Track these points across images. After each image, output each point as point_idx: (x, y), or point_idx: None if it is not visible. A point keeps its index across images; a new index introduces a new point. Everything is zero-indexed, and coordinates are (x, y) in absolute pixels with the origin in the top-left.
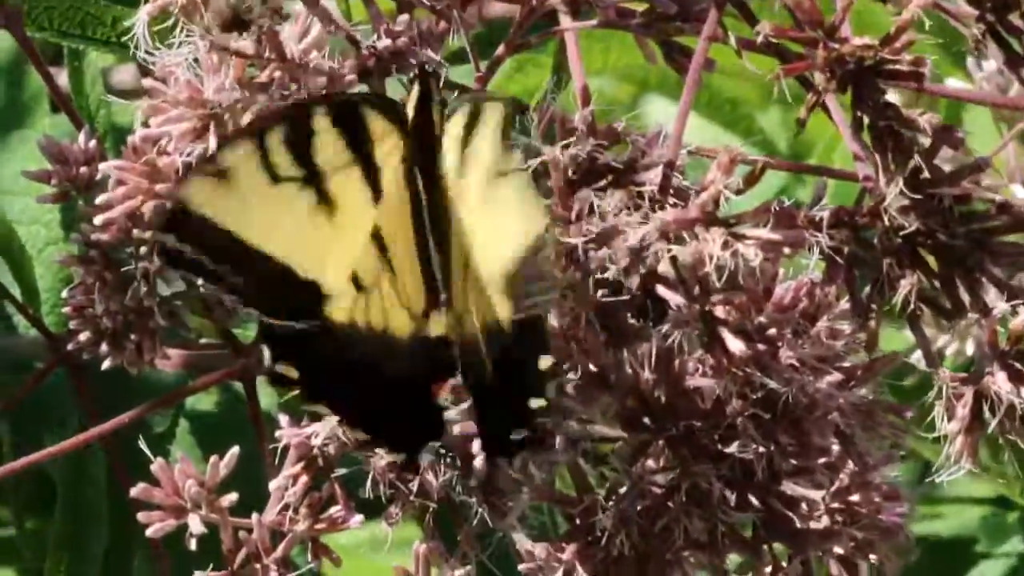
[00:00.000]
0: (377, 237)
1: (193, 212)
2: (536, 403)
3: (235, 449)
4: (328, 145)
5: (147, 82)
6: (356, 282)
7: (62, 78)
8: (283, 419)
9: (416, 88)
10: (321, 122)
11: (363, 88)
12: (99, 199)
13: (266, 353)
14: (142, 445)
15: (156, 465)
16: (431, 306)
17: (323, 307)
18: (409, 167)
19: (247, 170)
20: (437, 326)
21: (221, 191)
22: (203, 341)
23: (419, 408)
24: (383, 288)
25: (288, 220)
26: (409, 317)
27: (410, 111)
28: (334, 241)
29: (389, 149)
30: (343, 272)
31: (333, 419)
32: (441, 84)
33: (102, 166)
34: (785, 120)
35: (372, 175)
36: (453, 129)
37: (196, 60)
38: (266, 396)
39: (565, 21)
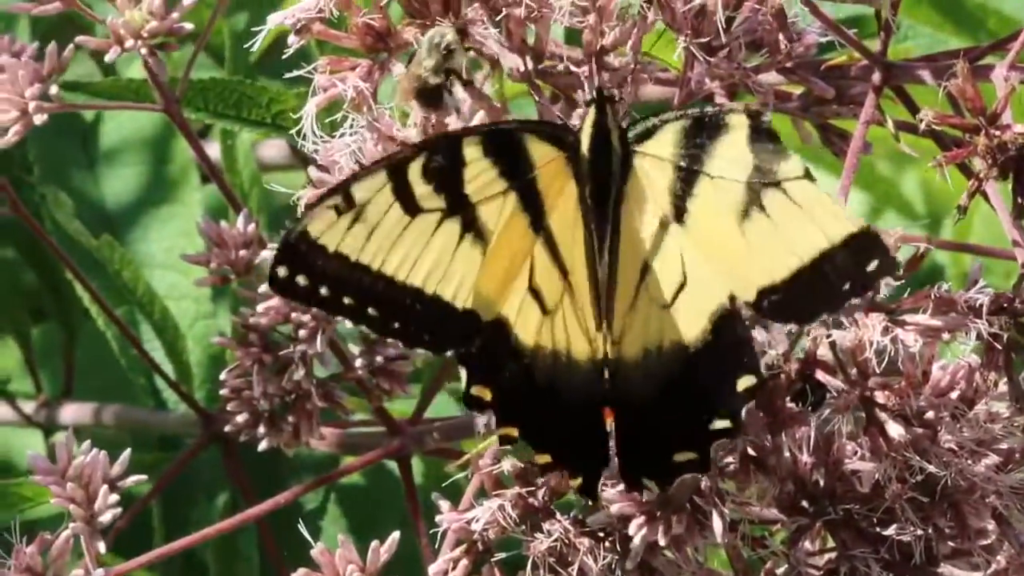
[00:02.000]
0: (556, 259)
1: (311, 243)
2: (720, 423)
3: (396, 534)
4: (479, 175)
5: (313, 172)
6: (541, 304)
7: (211, 150)
8: (443, 504)
9: (593, 111)
10: (471, 152)
11: None
12: (262, 288)
13: (463, 375)
14: (301, 528)
15: (317, 550)
16: (599, 328)
17: (509, 333)
18: (583, 190)
19: (380, 201)
20: (601, 348)
21: (344, 223)
22: (356, 417)
23: (593, 433)
24: (565, 310)
25: (427, 250)
26: (587, 340)
27: (586, 135)
28: (489, 269)
29: (554, 173)
30: (515, 297)
31: (494, 503)
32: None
33: (263, 254)
34: (923, 181)
35: (532, 201)
36: (655, 148)
37: (360, 150)
38: (419, 475)
39: (722, 103)
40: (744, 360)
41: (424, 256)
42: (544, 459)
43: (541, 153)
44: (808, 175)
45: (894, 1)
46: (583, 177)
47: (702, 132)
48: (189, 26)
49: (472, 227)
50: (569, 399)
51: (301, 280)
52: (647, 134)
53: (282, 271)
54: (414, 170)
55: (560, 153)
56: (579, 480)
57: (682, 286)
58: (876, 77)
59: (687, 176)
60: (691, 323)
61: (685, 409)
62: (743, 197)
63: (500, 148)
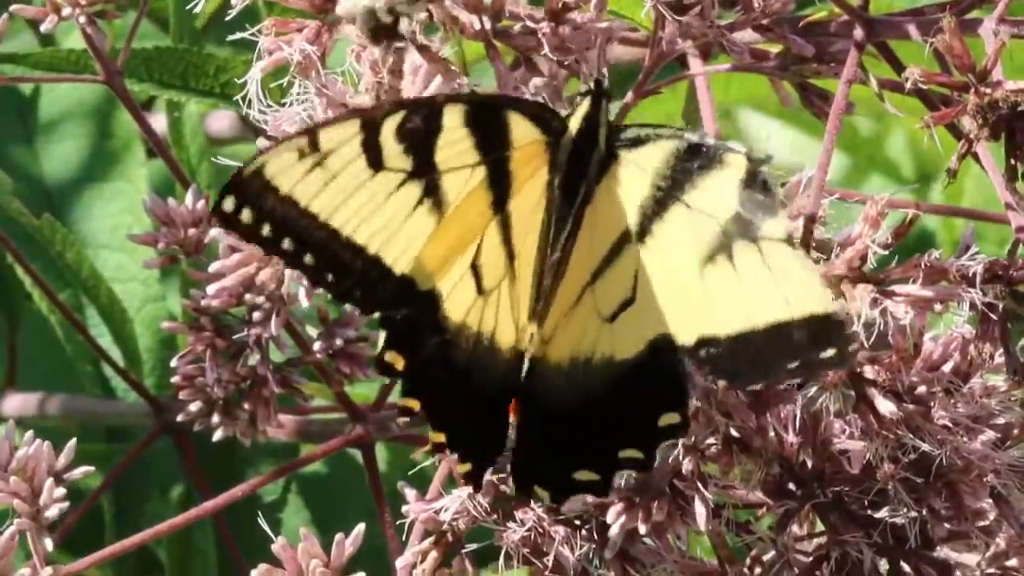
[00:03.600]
0: (507, 242)
1: (264, 182)
2: (627, 453)
3: (361, 526)
4: (453, 143)
5: (261, 143)
6: (479, 284)
7: (157, 123)
8: (410, 493)
9: (587, 103)
10: (451, 119)
11: None
12: (212, 267)
13: (380, 338)
14: (261, 522)
15: (278, 544)
16: (530, 320)
17: (438, 306)
18: (553, 179)
19: (345, 152)
20: (526, 341)
21: (303, 167)
22: (316, 403)
23: (493, 422)
24: (501, 295)
25: (380, 210)
26: (514, 329)
27: (575, 125)
28: (438, 239)
29: (528, 156)
30: (455, 271)
31: (464, 491)
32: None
33: (213, 231)
34: (910, 142)
35: (500, 179)
36: (642, 158)
37: (311, 118)
38: (384, 462)
39: (695, 64)
40: (672, 396)
41: (375, 215)
42: (438, 438)
43: (522, 132)
44: (790, 240)
45: None
46: (558, 166)
47: (695, 159)
48: None
49: (432, 195)
50: (479, 384)
51: (245, 216)
52: (637, 142)
53: (228, 204)
54: (388, 127)
55: (541, 137)
56: (467, 467)
57: (628, 303)
58: (858, 33)
59: (664, 198)
60: (628, 343)
61: (598, 429)
62: (714, 240)
63: (482, 120)
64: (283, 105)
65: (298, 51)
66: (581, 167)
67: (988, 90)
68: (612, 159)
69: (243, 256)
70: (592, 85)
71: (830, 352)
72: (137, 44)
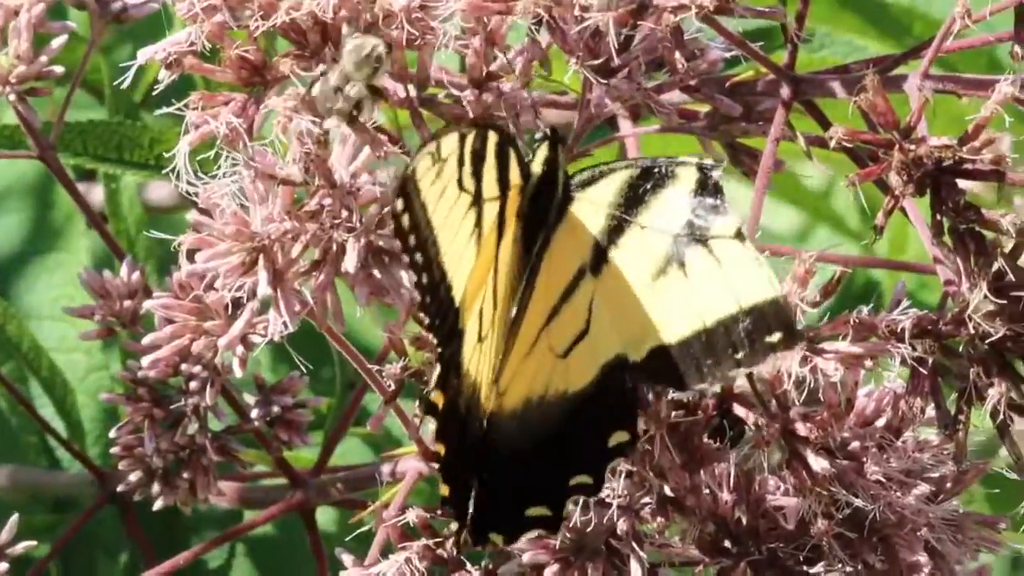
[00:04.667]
0: (495, 290)
1: (414, 181)
2: (578, 480)
3: None
4: (489, 172)
5: (192, 216)
6: (480, 330)
7: (95, 193)
8: (346, 558)
9: (546, 147)
10: (491, 147)
11: None
12: (146, 339)
13: (435, 373)
14: None
15: None
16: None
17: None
18: (523, 225)
19: (450, 165)
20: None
21: (432, 172)
22: (259, 469)
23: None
24: (488, 344)
25: (457, 234)
26: (488, 384)
27: (536, 169)
28: (473, 274)
29: (514, 199)
30: (475, 312)
31: (400, 556)
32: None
33: (147, 303)
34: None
35: (501, 221)
36: (595, 195)
37: (241, 190)
38: (333, 523)
39: (625, 126)
40: (622, 414)
41: (457, 236)
42: (444, 491)
43: (515, 173)
44: (740, 235)
45: (800, 13)
46: (522, 214)
47: (647, 181)
48: (59, 70)
49: (479, 225)
50: (470, 435)
51: (405, 220)
52: (591, 180)
53: (398, 204)
54: (467, 146)
55: (520, 181)
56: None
57: (582, 335)
58: (784, 92)
59: (618, 225)
60: (581, 374)
61: (549, 463)
62: (667, 251)
63: (502, 152)
64: (214, 177)
65: (224, 124)
66: (541, 214)
67: (912, 146)
68: (569, 202)
69: (176, 328)
70: (548, 131)
71: (776, 336)
72: (75, 116)
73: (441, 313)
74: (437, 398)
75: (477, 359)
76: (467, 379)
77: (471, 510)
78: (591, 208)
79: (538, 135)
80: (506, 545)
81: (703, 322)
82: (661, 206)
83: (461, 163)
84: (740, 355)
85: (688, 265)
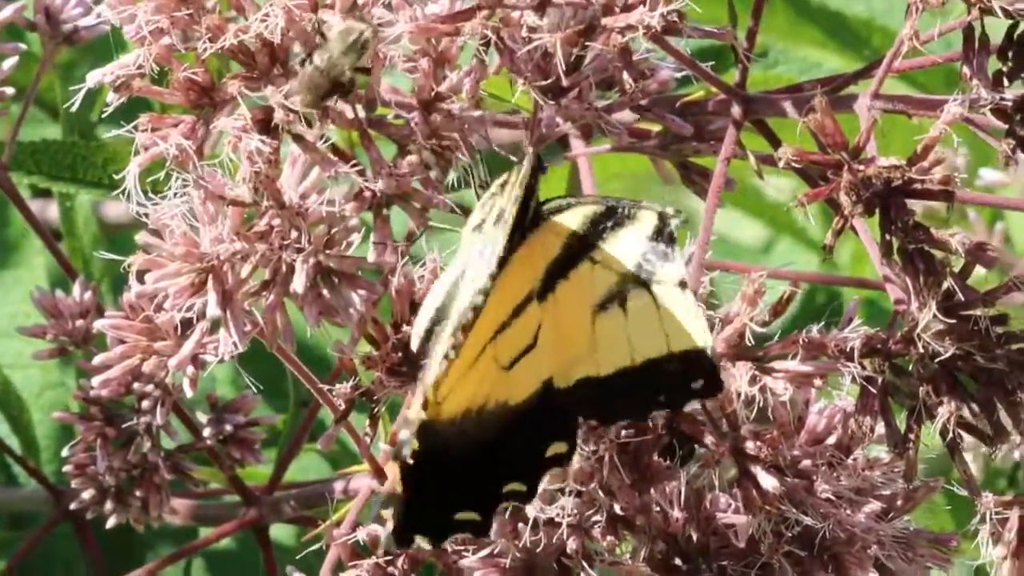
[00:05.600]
0: None
1: None
2: (511, 487)
3: None
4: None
5: (141, 238)
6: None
7: (51, 210)
8: None
9: (527, 168)
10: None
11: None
12: (97, 359)
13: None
14: None
15: None
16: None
17: None
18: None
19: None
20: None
21: None
22: (214, 486)
23: None
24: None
25: None
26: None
27: (517, 192)
28: None
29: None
30: None
31: (351, 575)
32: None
33: (98, 323)
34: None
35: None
36: (560, 224)
37: (191, 211)
38: (291, 537)
39: (577, 144)
40: (562, 427)
41: None
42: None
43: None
44: (683, 284)
45: (751, 30)
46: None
47: (609, 219)
48: (10, 91)
49: None
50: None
51: None
52: (559, 210)
53: None
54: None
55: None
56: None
57: (528, 349)
58: (736, 111)
59: (572, 256)
60: (523, 386)
61: (482, 470)
62: (612, 288)
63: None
64: (163, 197)
65: (173, 145)
66: (513, 234)
67: (861, 167)
68: (534, 226)
69: (126, 348)
70: (533, 157)
71: (699, 383)
72: (29, 135)
73: None
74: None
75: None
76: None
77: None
78: (551, 237)
79: (526, 161)
80: (433, 547)
81: (632, 360)
82: (616, 244)
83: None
84: (663, 397)
85: (630, 305)
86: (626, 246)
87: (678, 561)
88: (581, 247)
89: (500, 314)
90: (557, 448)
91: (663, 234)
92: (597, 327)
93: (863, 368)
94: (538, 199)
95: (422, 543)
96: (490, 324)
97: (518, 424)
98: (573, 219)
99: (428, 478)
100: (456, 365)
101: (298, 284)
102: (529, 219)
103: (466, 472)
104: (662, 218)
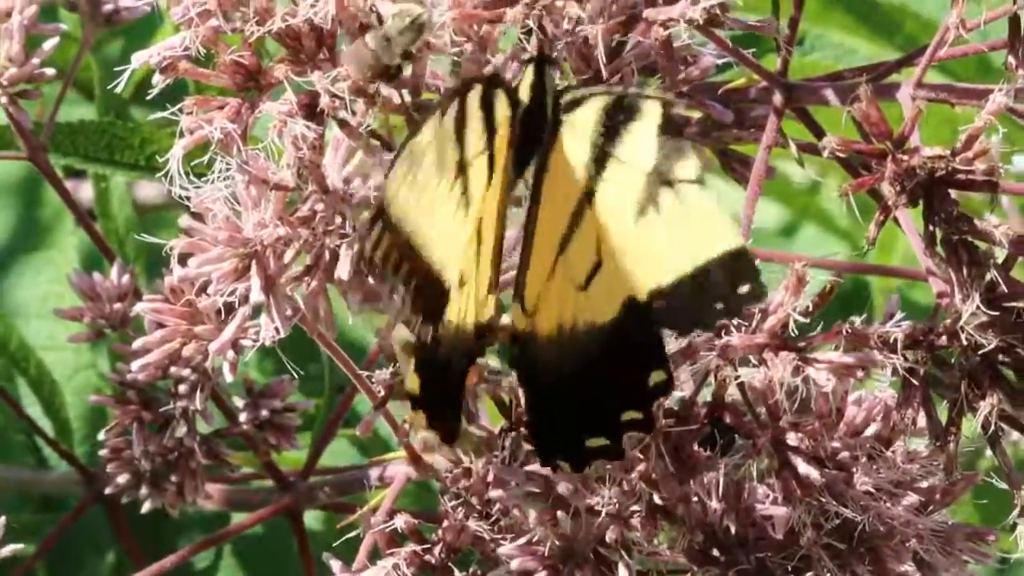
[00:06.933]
0: (478, 230)
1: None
2: (631, 415)
3: None
4: (475, 130)
5: (184, 221)
6: (462, 278)
7: (84, 190)
8: (335, 564)
9: (531, 72)
10: (472, 103)
11: None
12: (136, 343)
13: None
14: None
15: None
16: (490, 292)
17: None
18: (511, 154)
19: (428, 160)
20: (487, 312)
21: (407, 183)
22: (247, 471)
23: (455, 389)
24: (470, 283)
25: (441, 219)
26: (476, 306)
27: (524, 95)
28: (463, 239)
29: (503, 135)
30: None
31: (388, 562)
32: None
33: (138, 307)
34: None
35: (491, 164)
36: (580, 120)
37: (234, 195)
38: (321, 523)
39: None
40: (655, 354)
41: (444, 223)
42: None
43: (501, 111)
44: (700, 180)
45: (793, 18)
46: (514, 141)
47: (620, 112)
48: (51, 72)
49: (465, 192)
50: (448, 361)
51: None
52: (574, 104)
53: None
54: (447, 122)
55: (508, 112)
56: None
57: (597, 268)
58: (777, 99)
59: (601, 156)
60: (605, 307)
61: (598, 395)
62: (643, 191)
63: (487, 101)
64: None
65: (219, 129)
66: (534, 139)
67: (905, 157)
68: (559, 125)
69: (166, 332)
70: (535, 53)
71: (746, 287)
72: (65, 115)
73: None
74: (412, 380)
75: (459, 304)
76: (448, 328)
77: (532, 431)
78: (576, 135)
79: (524, 56)
80: (574, 472)
81: (682, 268)
82: (633, 140)
83: (441, 142)
84: (720, 305)
85: (662, 208)
86: (642, 141)
87: (716, 552)
88: (603, 144)
89: (559, 223)
90: (658, 377)
91: (670, 124)
92: (642, 234)
93: (905, 360)
94: (556, 93)
95: (564, 466)
96: (551, 235)
97: (615, 348)
98: (590, 115)
99: (550, 400)
100: (532, 274)
101: (343, 270)
102: (551, 118)
103: (584, 398)
104: (664, 106)
